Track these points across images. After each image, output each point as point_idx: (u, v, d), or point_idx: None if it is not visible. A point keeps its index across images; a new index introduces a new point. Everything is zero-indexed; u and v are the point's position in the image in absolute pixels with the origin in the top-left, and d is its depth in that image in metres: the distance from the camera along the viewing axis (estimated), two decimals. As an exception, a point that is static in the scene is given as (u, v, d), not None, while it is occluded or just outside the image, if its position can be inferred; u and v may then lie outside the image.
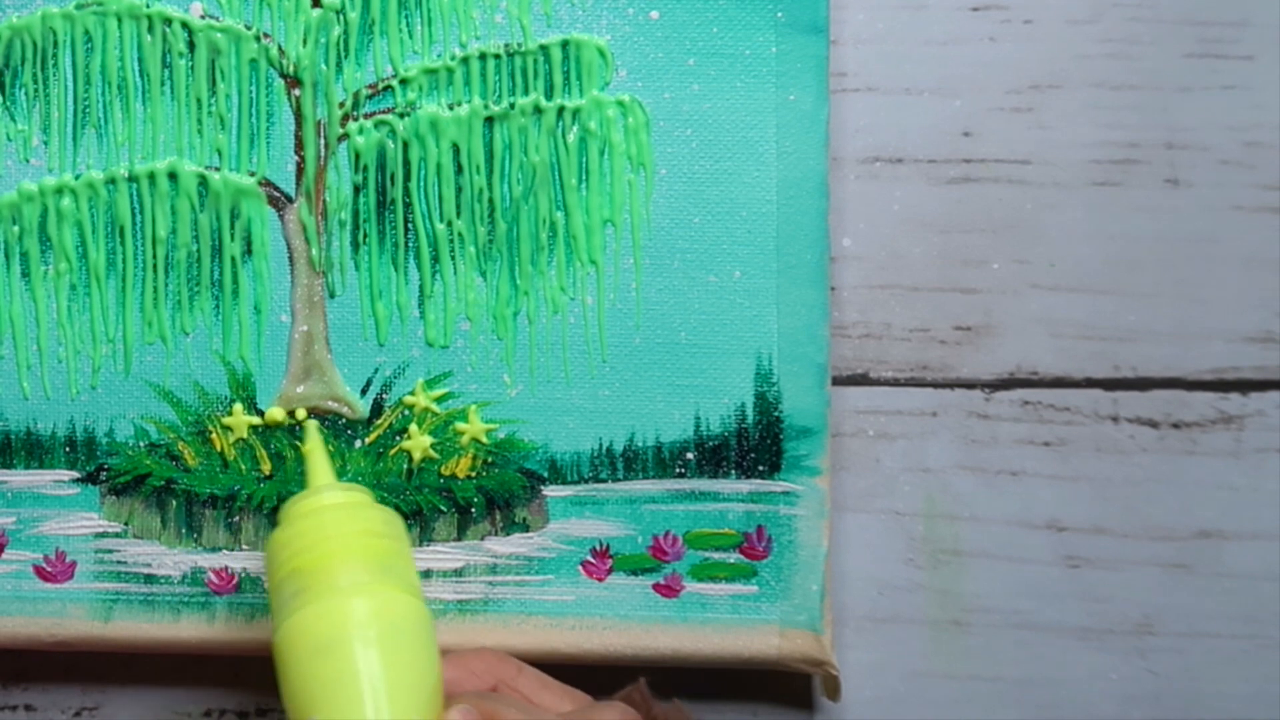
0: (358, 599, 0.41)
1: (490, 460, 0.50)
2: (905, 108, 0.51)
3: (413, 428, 0.50)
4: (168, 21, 0.49)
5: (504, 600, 0.50)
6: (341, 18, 0.49)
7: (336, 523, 0.43)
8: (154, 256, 0.50)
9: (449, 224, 0.49)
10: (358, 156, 0.49)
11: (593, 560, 0.50)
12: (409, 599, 0.42)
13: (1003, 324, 0.51)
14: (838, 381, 0.51)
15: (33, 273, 0.50)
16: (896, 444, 0.51)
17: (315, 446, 0.45)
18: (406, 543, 0.43)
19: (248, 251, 0.50)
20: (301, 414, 0.50)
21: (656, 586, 0.50)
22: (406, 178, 0.49)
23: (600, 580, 0.50)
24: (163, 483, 0.50)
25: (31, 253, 0.49)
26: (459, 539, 0.50)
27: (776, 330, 0.49)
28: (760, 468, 0.49)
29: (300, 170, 0.49)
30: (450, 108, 0.49)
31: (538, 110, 0.49)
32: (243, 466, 0.50)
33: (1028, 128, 0.51)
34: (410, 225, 0.49)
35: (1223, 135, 0.51)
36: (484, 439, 0.50)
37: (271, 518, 0.50)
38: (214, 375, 0.50)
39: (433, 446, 0.50)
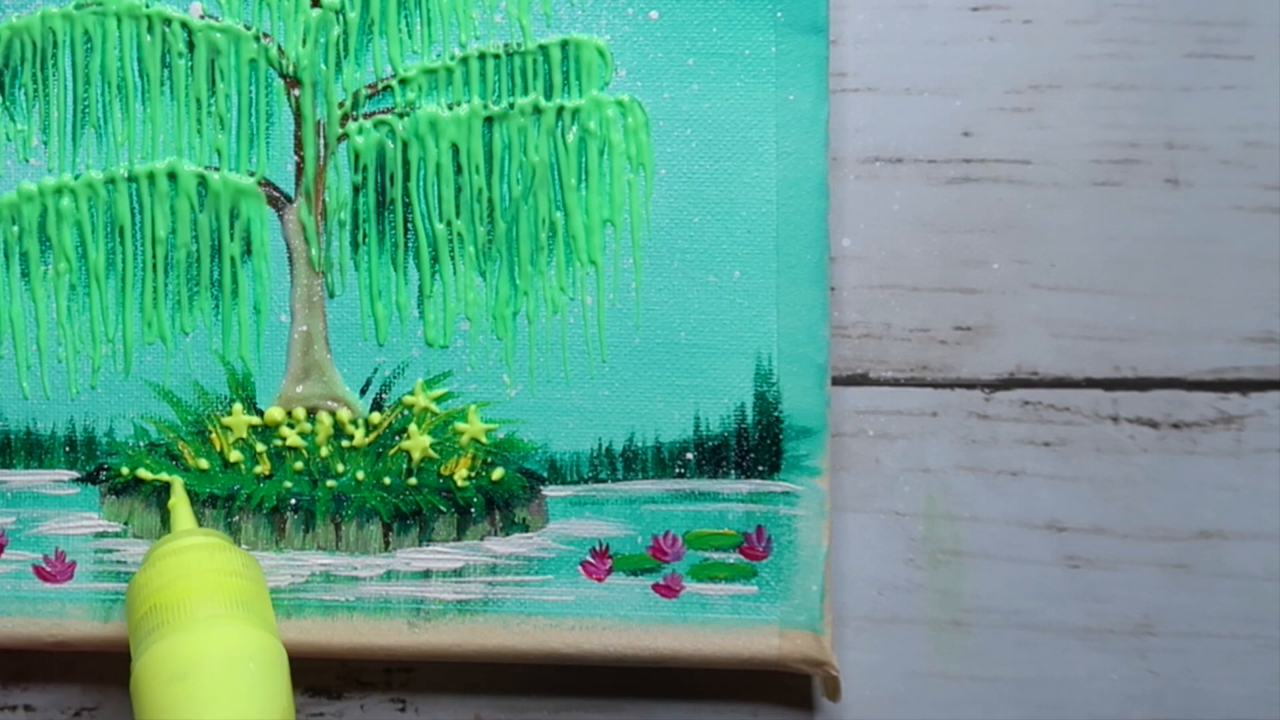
0: (211, 629, 0.43)
1: (490, 460, 0.50)
2: (905, 108, 0.51)
3: (412, 428, 0.50)
4: (167, 21, 0.49)
5: (504, 600, 0.50)
6: (341, 18, 0.49)
7: (196, 561, 0.44)
8: (153, 256, 0.50)
9: (448, 224, 0.49)
10: (357, 156, 0.49)
11: (592, 560, 0.50)
12: (263, 634, 0.43)
13: (1003, 324, 0.51)
14: (838, 381, 0.51)
15: (32, 273, 0.50)
16: (896, 444, 0.51)
17: (180, 500, 0.48)
18: (264, 585, 0.46)
19: (247, 251, 0.50)
20: (300, 414, 0.50)
21: (656, 587, 0.50)
22: (406, 178, 0.49)
23: (600, 580, 0.50)
24: (162, 483, 0.50)
25: (31, 253, 0.50)
26: (458, 539, 0.50)
27: (776, 330, 0.49)
28: (760, 468, 0.49)
29: (300, 170, 0.49)
30: (450, 108, 0.49)
31: (537, 110, 0.49)
32: (242, 466, 0.50)
33: (1028, 128, 0.51)
34: (410, 225, 0.49)
35: (1223, 135, 0.51)
36: (483, 439, 0.50)
37: (271, 518, 0.50)
38: (213, 375, 0.50)
39: (432, 446, 0.50)
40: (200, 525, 0.49)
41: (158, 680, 0.42)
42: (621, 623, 0.49)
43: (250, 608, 0.44)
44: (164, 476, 0.50)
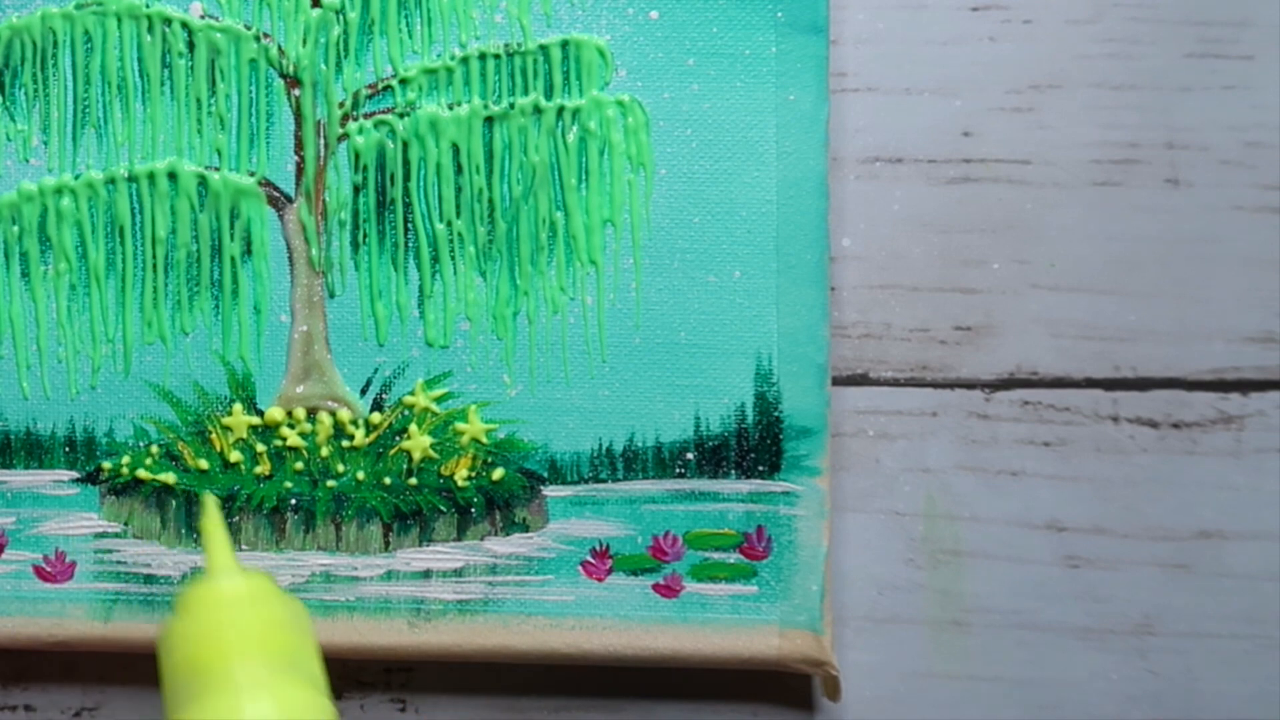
0: (255, 698, 0.40)
1: (490, 460, 0.50)
2: (905, 108, 0.51)
3: (412, 428, 0.50)
4: (167, 21, 0.49)
5: (504, 600, 0.50)
6: (341, 18, 0.49)
7: (237, 616, 0.41)
8: (154, 256, 0.50)
9: (449, 224, 0.49)
10: (357, 156, 0.49)
11: (592, 560, 0.50)
12: (310, 694, 0.40)
13: (1003, 324, 0.51)
14: (838, 381, 0.51)
15: (32, 273, 0.50)
16: (896, 444, 0.51)
17: (214, 525, 0.41)
18: (311, 634, 0.42)
19: (247, 251, 0.50)
20: (301, 414, 0.50)
21: (656, 587, 0.50)
22: (406, 178, 0.49)
23: (600, 580, 0.50)
24: (162, 484, 0.50)
25: (31, 253, 0.49)
26: (459, 539, 0.50)
27: (776, 330, 0.49)
28: (760, 468, 0.49)
29: (300, 170, 0.49)
30: (450, 108, 0.49)
31: (537, 110, 0.49)
32: (242, 467, 0.50)
33: (1028, 128, 0.51)
34: (410, 225, 0.49)
35: (1223, 135, 0.51)
36: (484, 439, 0.50)
37: (271, 518, 0.50)
38: (214, 375, 0.50)
39: (432, 446, 0.50)
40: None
41: None
42: (621, 623, 0.49)
43: (295, 665, 0.41)
44: (163, 478, 0.50)
